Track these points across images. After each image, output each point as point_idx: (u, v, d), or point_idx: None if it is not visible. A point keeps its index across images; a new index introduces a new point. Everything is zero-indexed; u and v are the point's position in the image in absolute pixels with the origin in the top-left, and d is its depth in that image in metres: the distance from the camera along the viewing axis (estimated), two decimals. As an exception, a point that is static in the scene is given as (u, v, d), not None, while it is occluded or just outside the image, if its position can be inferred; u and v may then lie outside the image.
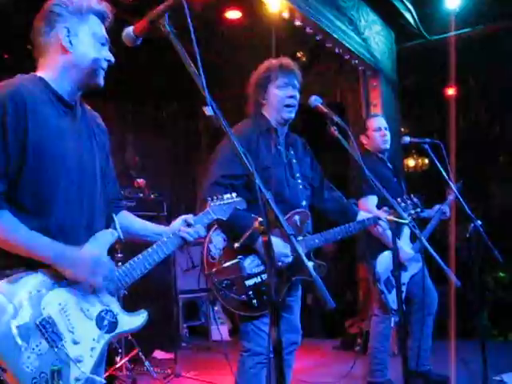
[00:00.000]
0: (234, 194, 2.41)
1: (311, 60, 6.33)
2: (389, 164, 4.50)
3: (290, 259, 2.87)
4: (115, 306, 1.97)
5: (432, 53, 6.77)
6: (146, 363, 5.17)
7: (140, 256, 2.09)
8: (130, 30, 1.87)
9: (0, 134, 1.79)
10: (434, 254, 2.88)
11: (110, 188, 2.19)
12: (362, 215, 3.34)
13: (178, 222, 2.24)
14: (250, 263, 2.88)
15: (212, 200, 2.36)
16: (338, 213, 3.37)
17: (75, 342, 1.81)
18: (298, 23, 5.10)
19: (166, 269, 6.09)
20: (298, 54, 6.24)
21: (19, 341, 1.69)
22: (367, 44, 6.22)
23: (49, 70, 1.99)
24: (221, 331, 7.43)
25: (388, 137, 4.46)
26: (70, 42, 1.96)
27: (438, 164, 4.15)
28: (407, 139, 4.42)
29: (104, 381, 1.91)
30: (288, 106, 3.08)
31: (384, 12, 6.57)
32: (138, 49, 1.93)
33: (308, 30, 5.25)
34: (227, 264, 2.86)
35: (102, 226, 2.08)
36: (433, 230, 4.47)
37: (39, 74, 1.99)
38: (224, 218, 2.37)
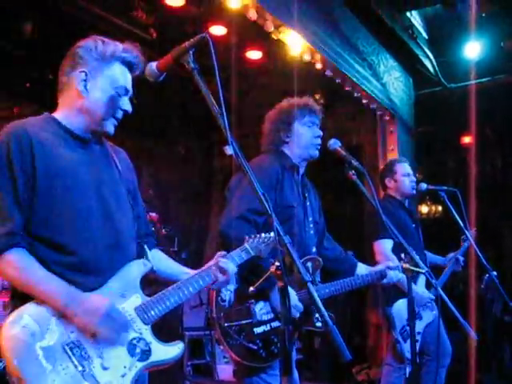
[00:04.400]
0: (272, 234, 2.31)
1: (329, 102, 6.36)
2: (408, 211, 4.46)
3: (300, 311, 2.74)
4: (148, 334, 1.91)
5: (449, 100, 6.79)
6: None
7: (175, 287, 2.02)
8: (153, 65, 1.86)
9: (7, 171, 1.79)
10: (450, 304, 2.82)
11: (140, 224, 2.15)
12: (361, 267, 3.29)
13: (211, 263, 2.17)
14: (261, 309, 2.76)
15: (250, 237, 2.29)
16: (337, 262, 3.29)
17: (104, 368, 1.75)
18: (318, 66, 5.14)
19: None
20: (316, 96, 6.26)
21: (44, 363, 1.64)
22: (386, 89, 6.25)
23: (63, 108, 2.00)
24: (225, 371, 7.30)
25: (415, 184, 4.43)
26: (85, 87, 1.96)
27: (454, 212, 4.10)
28: (424, 186, 4.39)
29: None
30: (316, 144, 3.05)
31: (403, 58, 6.62)
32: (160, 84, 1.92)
33: (328, 72, 5.29)
34: (237, 308, 2.73)
35: (133, 252, 2.03)
36: (447, 279, 4.38)
37: (53, 114, 2.01)
38: (262, 257, 2.29)
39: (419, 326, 4.09)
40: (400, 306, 4.02)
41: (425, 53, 6.43)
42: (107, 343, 1.78)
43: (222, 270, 2.12)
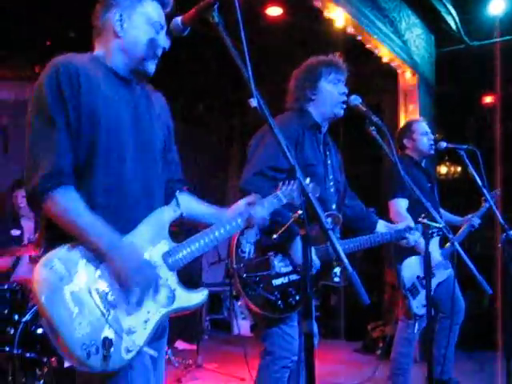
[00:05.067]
0: (308, 179, 2.28)
1: (349, 61, 6.30)
2: (425, 170, 4.47)
3: (317, 266, 2.81)
4: (173, 281, 1.94)
5: (472, 58, 6.68)
6: (169, 352, 5.23)
7: (202, 234, 2.03)
8: (178, 20, 1.87)
9: (58, 106, 1.79)
10: (467, 259, 2.86)
11: (172, 168, 2.18)
12: (381, 224, 3.33)
13: (241, 204, 2.18)
14: (280, 262, 2.83)
15: (283, 184, 2.27)
16: (358, 220, 3.33)
17: (129, 313, 1.78)
18: (339, 23, 5.09)
19: (194, 260, 6.12)
20: (337, 54, 6.20)
21: (72, 306, 1.68)
22: (407, 47, 6.17)
23: (103, 49, 2.00)
24: (243, 326, 7.47)
25: (433, 142, 4.43)
26: (122, 26, 1.97)
27: (474, 171, 4.10)
28: (443, 144, 4.37)
29: (156, 354, 1.87)
30: (341, 102, 3.04)
31: (425, 15, 6.50)
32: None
33: (349, 30, 5.23)
34: (257, 259, 2.81)
35: (161, 198, 2.05)
36: (464, 237, 4.41)
37: (95, 52, 2.02)
38: (296, 204, 2.27)
39: (431, 283, 4.15)
40: (410, 263, 4.09)
41: (447, 9, 6.29)
42: (134, 291, 1.81)
43: (252, 216, 2.13)
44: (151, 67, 2.02)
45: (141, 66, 2.00)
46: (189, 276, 5.95)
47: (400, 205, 4.17)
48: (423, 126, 4.46)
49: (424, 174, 4.43)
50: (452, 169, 8.12)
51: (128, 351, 1.75)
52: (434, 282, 4.19)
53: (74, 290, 1.71)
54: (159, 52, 2.02)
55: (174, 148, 2.22)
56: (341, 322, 7.36)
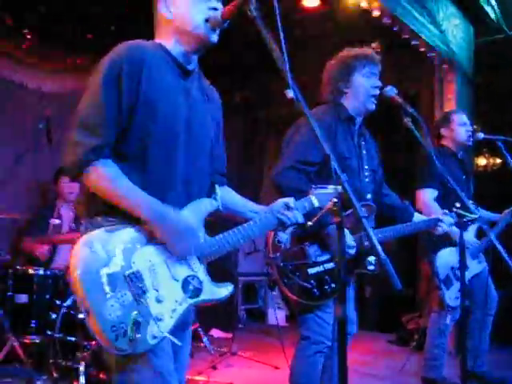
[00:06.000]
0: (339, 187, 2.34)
1: (386, 51, 6.27)
2: (460, 161, 4.44)
3: (354, 251, 2.85)
4: (202, 273, 1.99)
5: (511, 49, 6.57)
6: (205, 339, 5.33)
7: (235, 230, 2.07)
8: (217, 13, 1.95)
9: (115, 87, 1.86)
10: (503, 251, 2.85)
11: (217, 162, 2.23)
12: (418, 216, 3.34)
13: (278, 204, 2.19)
14: (315, 251, 2.89)
15: (316, 188, 2.27)
16: (395, 209, 3.34)
17: (158, 301, 1.84)
18: (375, 13, 5.08)
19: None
20: (373, 45, 6.18)
21: (106, 288, 1.75)
22: (445, 37, 6.10)
23: (163, 36, 2.05)
24: (278, 316, 7.53)
25: (471, 133, 4.40)
26: (168, 9, 2.01)
27: (512, 163, 4.06)
28: (481, 135, 4.35)
29: (180, 343, 1.91)
30: (373, 96, 3.05)
31: (464, 4, 6.42)
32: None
33: (385, 20, 5.22)
34: (293, 249, 2.87)
35: (204, 192, 2.10)
36: (501, 230, 4.37)
37: (158, 41, 2.07)
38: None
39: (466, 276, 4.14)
40: (445, 254, 4.10)
41: (487, -1, 6.22)
42: (166, 275, 1.88)
43: (285, 221, 2.16)
44: (211, 36, 2.01)
45: (201, 39, 2.01)
46: (224, 265, 6.06)
47: (428, 194, 4.17)
48: (461, 117, 4.44)
49: (460, 164, 4.41)
50: (491, 160, 8.00)
51: (153, 337, 1.81)
52: (469, 275, 4.18)
53: (109, 272, 1.77)
54: (211, 14, 1.98)
55: (222, 142, 2.27)
56: (375, 313, 7.36)
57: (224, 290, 2.05)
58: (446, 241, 4.03)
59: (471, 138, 4.39)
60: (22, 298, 4.54)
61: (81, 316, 4.22)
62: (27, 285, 4.56)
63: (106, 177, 1.84)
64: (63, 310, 4.31)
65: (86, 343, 4.05)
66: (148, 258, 1.86)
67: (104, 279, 1.76)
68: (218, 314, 6.49)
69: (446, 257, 4.09)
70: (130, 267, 1.82)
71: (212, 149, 2.16)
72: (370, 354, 5.74)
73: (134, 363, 1.81)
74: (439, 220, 3.20)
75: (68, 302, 4.33)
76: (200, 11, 1.98)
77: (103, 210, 1.89)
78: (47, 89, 6.05)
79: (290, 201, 2.18)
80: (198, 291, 1.96)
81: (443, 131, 4.44)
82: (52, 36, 5.85)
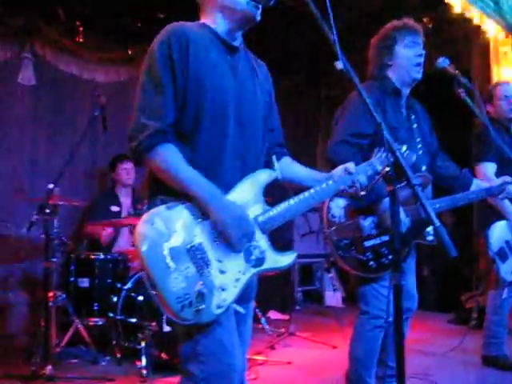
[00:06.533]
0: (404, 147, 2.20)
1: (438, 25, 6.13)
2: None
3: (407, 226, 2.82)
4: (264, 243, 2.01)
5: None
6: (262, 320, 5.40)
7: (296, 199, 2.08)
8: None
9: (169, 70, 1.92)
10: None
11: (274, 134, 2.25)
12: (477, 184, 3.26)
13: (338, 170, 2.19)
14: (370, 224, 2.90)
15: (378, 151, 2.24)
16: (452, 179, 3.28)
17: (221, 271, 1.88)
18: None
19: (286, 231, 6.22)
20: (425, 20, 6.05)
21: (169, 262, 1.81)
22: (499, 8, 5.90)
23: (207, 15, 2.10)
24: (335, 297, 7.55)
25: None
26: None
27: None
28: None
29: (244, 311, 1.96)
30: (418, 64, 3.02)
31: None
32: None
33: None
34: (347, 223, 2.89)
35: (260, 165, 2.13)
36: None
37: (202, 21, 2.11)
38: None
39: None
40: (499, 227, 4.00)
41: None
42: (228, 247, 1.91)
43: (355, 183, 2.15)
44: (257, 13, 2.03)
45: (243, 16, 2.03)
46: (280, 247, 6.09)
47: (488, 169, 4.05)
48: (503, 90, 4.28)
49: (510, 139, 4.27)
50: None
51: (218, 307, 1.85)
52: (524, 248, 4.08)
53: (172, 246, 1.83)
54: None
55: (275, 114, 2.29)
56: (434, 293, 7.27)
57: (287, 259, 2.05)
58: (499, 214, 3.96)
59: None
60: (85, 283, 4.72)
61: (140, 298, 4.37)
62: (89, 269, 4.74)
63: (169, 161, 1.90)
64: (124, 293, 4.46)
65: (146, 324, 4.17)
66: (210, 231, 1.90)
67: (166, 253, 1.81)
68: (276, 296, 6.55)
69: (500, 229, 4.00)
70: (191, 241, 1.86)
71: (265, 121, 2.17)
72: (426, 332, 5.68)
73: (198, 333, 1.87)
74: (503, 186, 3.14)
75: (128, 285, 4.47)
76: None
77: (165, 192, 1.94)
78: (101, 79, 6.21)
79: (351, 166, 2.17)
80: (260, 260, 1.98)
81: (488, 107, 4.32)
82: (103, 28, 5.99)
